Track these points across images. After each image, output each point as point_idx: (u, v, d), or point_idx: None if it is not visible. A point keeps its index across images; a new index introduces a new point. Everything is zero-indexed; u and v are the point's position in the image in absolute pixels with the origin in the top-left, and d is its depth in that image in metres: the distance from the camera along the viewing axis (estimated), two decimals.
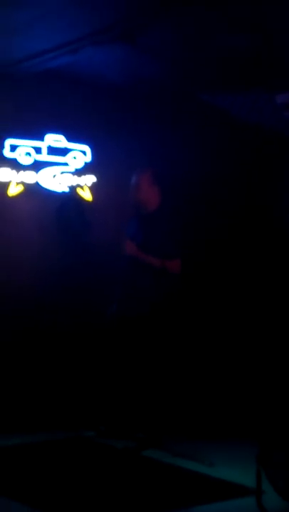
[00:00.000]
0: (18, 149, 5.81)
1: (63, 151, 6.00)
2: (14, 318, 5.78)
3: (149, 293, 5.33)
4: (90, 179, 6.08)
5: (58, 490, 4.35)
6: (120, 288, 5.49)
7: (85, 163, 6.07)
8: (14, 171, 5.78)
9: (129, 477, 4.65)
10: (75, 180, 6.05)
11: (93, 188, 6.10)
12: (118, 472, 4.75)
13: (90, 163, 6.08)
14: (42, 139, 5.91)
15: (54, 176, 5.95)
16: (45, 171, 5.92)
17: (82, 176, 6.06)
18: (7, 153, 5.78)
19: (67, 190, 6.02)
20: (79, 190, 6.07)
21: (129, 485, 4.49)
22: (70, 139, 6.00)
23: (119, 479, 4.60)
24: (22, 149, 5.83)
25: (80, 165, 6.06)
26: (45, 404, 5.79)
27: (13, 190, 5.81)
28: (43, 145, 5.91)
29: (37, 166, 5.88)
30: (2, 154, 5.76)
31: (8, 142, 5.78)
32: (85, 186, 6.08)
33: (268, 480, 3.87)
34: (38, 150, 5.90)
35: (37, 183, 5.89)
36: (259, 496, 3.86)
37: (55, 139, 5.96)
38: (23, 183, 5.82)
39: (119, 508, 4.07)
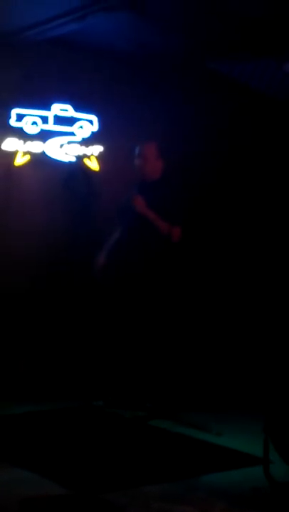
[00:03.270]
0: (24, 118, 5.77)
1: (70, 121, 5.95)
2: (22, 287, 5.79)
3: (153, 256, 5.32)
4: (97, 149, 6.04)
5: (64, 456, 4.38)
6: (120, 255, 5.48)
7: (92, 132, 6.02)
8: (21, 141, 5.74)
9: (137, 445, 4.68)
10: (82, 150, 6.00)
11: (100, 158, 6.05)
12: (126, 440, 4.78)
13: (97, 132, 6.03)
14: (49, 109, 5.86)
15: (61, 146, 5.91)
16: (52, 141, 5.87)
17: (90, 146, 6.02)
18: (13, 122, 5.73)
19: (74, 160, 5.98)
20: (86, 160, 6.03)
21: (137, 453, 4.51)
22: (77, 109, 5.95)
23: (126, 447, 4.62)
24: (28, 118, 5.78)
25: (86, 134, 6.01)
26: (54, 373, 5.82)
27: (20, 160, 5.77)
28: (49, 114, 5.86)
29: (43, 135, 5.84)
30: (8, 124, 5.71)
31: (15, 111, 5.73)
32: (92, 156, 6.04)
33: (276, 450, 3.89)
34: (44, 119, 5.85)
35: (43, 153, 5.85)
36: (266, 465, 3.88)
37: (61, 108, 5.91)
38: (29, 152, 5.78)
39: (126, 475, 4.09)
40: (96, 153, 6.04)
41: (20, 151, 5.75)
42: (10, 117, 5.71)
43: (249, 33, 5.30)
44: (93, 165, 6.06)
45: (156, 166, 5.45)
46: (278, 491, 3.81)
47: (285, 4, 4.80)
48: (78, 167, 6.01)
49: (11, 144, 5.71)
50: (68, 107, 5.93)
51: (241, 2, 4.82)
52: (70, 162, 5.97)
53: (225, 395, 5.62)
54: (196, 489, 3.91)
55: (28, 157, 5.79)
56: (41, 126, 5.83)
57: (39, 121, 5.82)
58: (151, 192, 5.39)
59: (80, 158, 6.00)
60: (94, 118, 6.02)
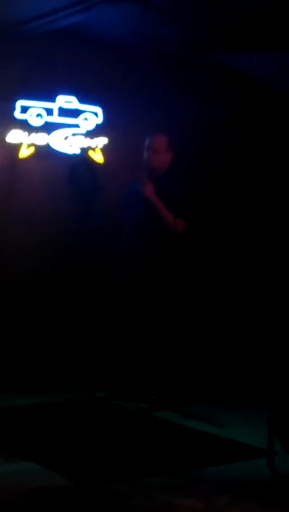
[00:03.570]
0: (29, 110, 5.77)
1: (75, 113, 5.94)
2: (26, 278, 5.80)
3: (156, 248, 5.32)
4: (102, 141, 6.04)
5: (69, 448, 4.39)
6: (125, 248, 5.48)
7: (97, 124, 6.02)
8: (25, 133, 5.74)
9: (140, 437, 4.69)
10: (87, 142, 6.00)
11: (105, 150, 6.05)
12: (130, 431, 4.79)
13: (102, 124, 6.03)
14: (53, 100, 5.86)
15: (65, 138, 5.91)
16: (57, 133, 5.88)
17: (94, 138, 6.01)
18: (18, 114, 5.73)
19: (78, 152, 5.98)
20: (90, 153, 6.03)
21: (141, 445, 4.52)
22: (81, 101, 5.95)
23: (130, 438, 4.63)
24: (33, 110, 5.78)
25: (91, 127, 6.01)
26: (57, 365, 5.84)
27: (24, 152, 5.77)
28: (54, 106, 5.86)
29: (48, 127, 5.84)
30: (13, 116, 5.71)
31: (19, 103, 5.73)
32: (97, 148, 6.04)
33: (280, 442, 3.90)
34: (49, 111, 5.84)
35: (48, 145, 5.85)
36: (271, 458, 3.89)
37: (66, 100, 5.90)
38: (34, 144, 5.79)
39: (130, 467, 4.11)
40: (101, 146, 6.04)
41: (25, 143, 5.76)
42: (14, 109, 5.71)
43: (254, 24, 5.28)
44: (98, 157, 6.06)
45: (165, 158, 5.44)
46: (282, 483, 3.82)
47: None
48: (83, 159, 6.01)
49: (15, 136, 5.71)
50: (73, 98, 5.93)
51: None
52: (74, 154, 5.98)
53: (229, 386, 5.62)
54: (200, 481, 3.92)
55: (32, 149, 5.79)
56: (46, 118, 5.83)
57: (44, 113, 5.82)
58: (158, 184, 5.38)
59: (84, 150, 6.00)
60: (98, 110, 6.02)
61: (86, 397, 5.56)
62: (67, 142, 5.92)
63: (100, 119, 6.02)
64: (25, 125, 5.74)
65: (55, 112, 5.87)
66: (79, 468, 4.05)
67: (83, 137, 5.98)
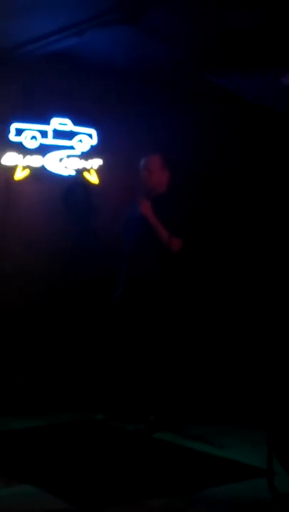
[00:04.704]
0: (23, 133, 5.79)
1: (69, 135, 5.97)
2: (22, 300, 5.80)
3: (155, 266, 5.33)
4: (97, 162, 6.06)
5: (67, 471, 4.37)
6: (126, 269, 5.48)
7: (91, 146, 6.05)
8: (20, 155, 5.76)
9: (139, 458, 4.67)
10: (82, 163, 6.03)
11: (100, 171, 6.07)
12: (129, 453, 4.77)
13: (96, 146, 6.06)
14: (48, 123, 5.88)
15: (60, 160, 5.94)
16: (52, 155, 5.90)
17: (89, 160, 6.04)
18: (13, 137, 5.76)
19: (73, 173, 6.00)
20: (85, 174, 6.06)
21: (140, 466, 4.50)
22: (76, 123, 5.98)
23: (129, 460, 4.62)
24: (28, 133, 5.81)
25: (86, 148, 6.03)
26: (55, 387, 5.82)
27: (20, 175, 5.79)
28: (48, 128, 5.89)
29: (43, 149, 5.86)
30: (8, 138, 5.74)
31: (14, 126, 5.76)
32: (92, 169, 6.06)
33: (279, 462, 3.88)
34: (43, 134, 5.87)
35: (43, 167, 5.88)
36: (271, 478, 3.87)
37: (60, 123, 5.94)
38: (29, 167, 5.81)
39: (129, 489, 4.08)
40: (95, 167, 6.07)
41: (20, 165, 5.78)
42: (9, 132, 5.73)
43: (246, 46, 5.33)
44: (93, 178, 6.08)
45: (162, 178, 5.47)
46: (281, 503, 3.80)
47: (281, 17, 4.83)
48: (78, 181, 6.03)
49: (10, 158, 5.74)
50: (67, 121, 5.96)
51: (238, 16, 4.85)
52: (69, 176, 6.00)
53: (227, 407, 5.61)
54: (200, 502, 3.90)
55: (27, 171, 5.81)
56: (40, 140, 5.85)
57: (38, 135, 5.84)
58: (158, 203, 5.40)
59: (79, 171, 6.03)
60: (93, 132, 6.05)
61: (85, 419, 5.54)
62: (62, 164, 5.94)
63: (94, 141, 6.05)
64: (20, 147, 5.77)
65: (50, 134, 5.90)
66: (78, 491, 4.03)
67: (78, 159, 6.01)
